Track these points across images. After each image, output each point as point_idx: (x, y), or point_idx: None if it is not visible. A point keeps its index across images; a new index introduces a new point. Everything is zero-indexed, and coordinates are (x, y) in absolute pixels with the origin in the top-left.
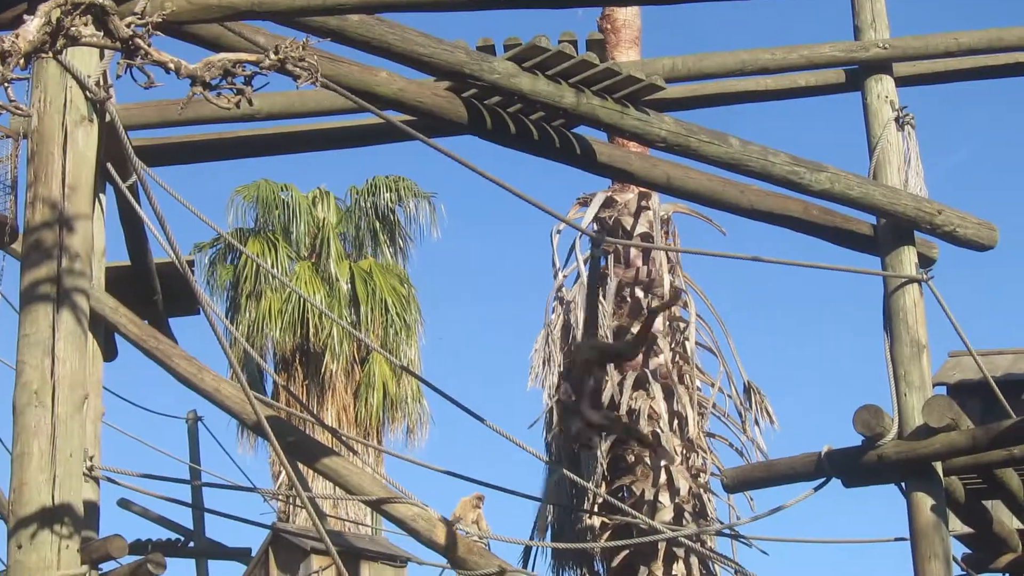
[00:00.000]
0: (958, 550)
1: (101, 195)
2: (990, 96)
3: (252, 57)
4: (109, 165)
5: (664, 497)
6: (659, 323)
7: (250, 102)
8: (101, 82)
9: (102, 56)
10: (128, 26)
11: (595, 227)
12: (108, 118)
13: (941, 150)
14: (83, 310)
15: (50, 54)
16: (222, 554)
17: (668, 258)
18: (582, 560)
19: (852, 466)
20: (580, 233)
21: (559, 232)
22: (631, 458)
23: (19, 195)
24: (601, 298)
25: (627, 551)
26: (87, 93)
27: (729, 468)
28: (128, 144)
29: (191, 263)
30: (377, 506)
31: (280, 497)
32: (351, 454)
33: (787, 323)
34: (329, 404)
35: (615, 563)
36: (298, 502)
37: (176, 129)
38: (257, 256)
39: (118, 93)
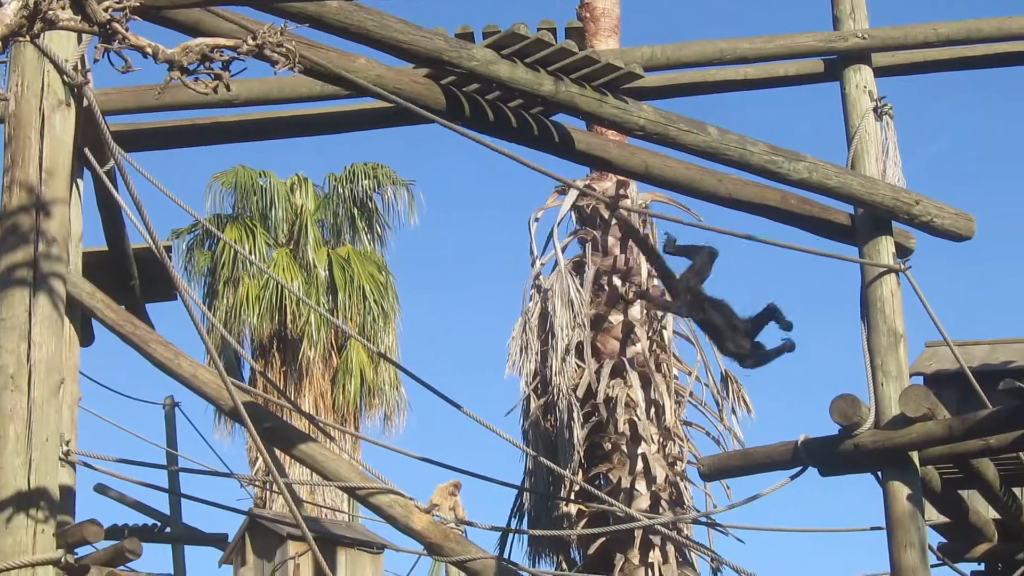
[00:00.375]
0: (934, 539)
1: (78, 180)
2: (969, 86)
3: (230, 42)
4: (86, 150)
5: (641, 485)
6: (636, 312)
7: (228, 87)
8: (79, 66)
9: (80, 40)
10: (106, 10)
11: (573, 216)
12: (86, 103)
13: (921, 140)
14: (60, 295)
15: (27, 38)
16: (199, 539)
17: None
18: (558, 547)
19: (829, 455)
20: (558, 221)
21: (537, 220)
22: (608, 446)
23: None
24: (579, 286)
25: (604, 538)
26: (65, 77)
27: (706, 456)
28: (106, 129)
29: (168, 249)
30: (354, 493)
31: (257, 483)
32: (328, 440)
33: None
34: (306, 391)
35: (591, 550)
36: (275, 488)
37: (154, 114)
38: (235, 242)
39: (96, 78)
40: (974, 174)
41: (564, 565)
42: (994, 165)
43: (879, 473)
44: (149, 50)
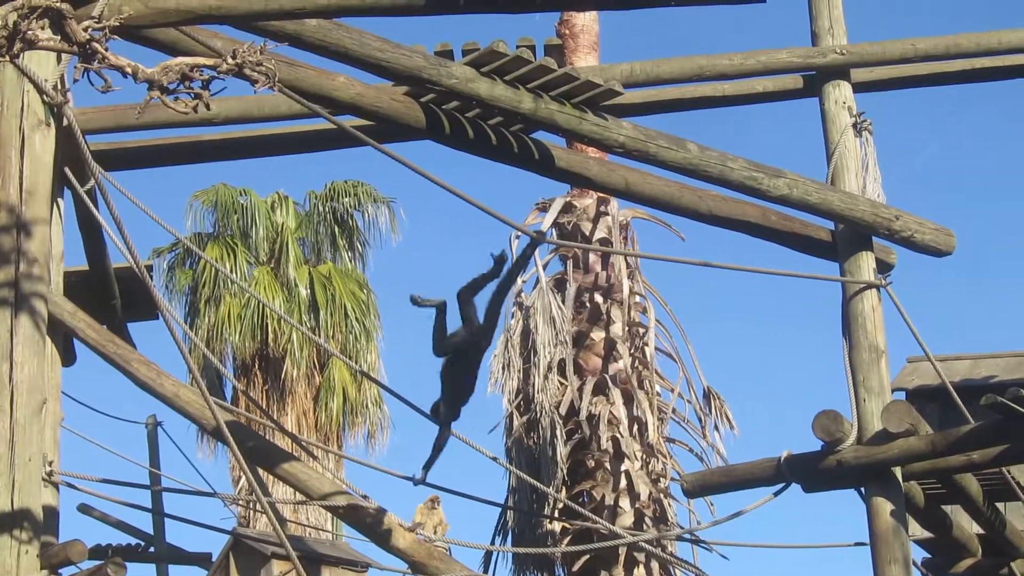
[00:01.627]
0: (918, 555)
1: (59, 200)
2: (946, 102)
3: (209, 61)
4: (67, 169)
5: (624, 502)
6: (618, 329)
7: (207, 106)
8: (59, 86)
9: (59, 60)
10: (85, 30)
11: (554, 232)
12: (66, 122)
13: (907, 153)
14: (41, 315)
15: (7, 58)
16: (182, 559)
17: (628, 263)
18: (543, 565)
19: (811, 471)
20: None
21: (518, 238)
22: (591, 463)
23: None
24: (561, 303)
25: (588, 556)
26: (44, 97)
27: (689, 473)
28: (86, 148)
29: (149, 268)
30: (337, 511)
31: (240, 502)
32: (311, 459)
33: (747, 328)
34: (289, 409)
35: (576, 568)
36: (258, 507)
37: (134, 133)
38: (216, 261)
39: (76, 97)
40: (954, 189)
41: None
42: (975, 180)
43: (862, 489)
44: (129, 70)
